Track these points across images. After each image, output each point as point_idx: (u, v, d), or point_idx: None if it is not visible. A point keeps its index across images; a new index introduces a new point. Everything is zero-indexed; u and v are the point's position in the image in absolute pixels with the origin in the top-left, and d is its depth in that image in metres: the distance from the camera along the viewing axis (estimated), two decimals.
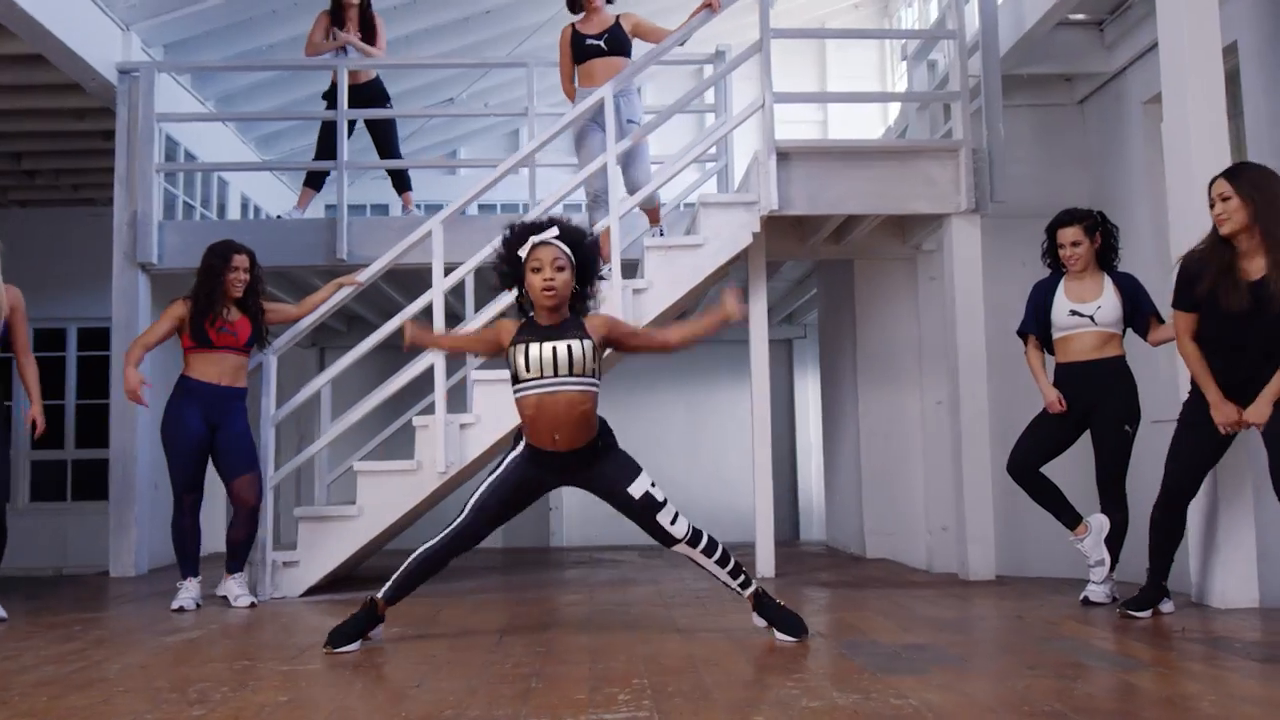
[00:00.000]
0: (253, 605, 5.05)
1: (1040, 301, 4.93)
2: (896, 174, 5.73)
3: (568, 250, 3.65)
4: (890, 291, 7.11)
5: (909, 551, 6.91)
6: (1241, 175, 4.06)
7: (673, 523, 3.74)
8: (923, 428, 6.97)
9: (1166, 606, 4.29)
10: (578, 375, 3.62)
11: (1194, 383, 4.22)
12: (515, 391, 3.71)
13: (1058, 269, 4.90)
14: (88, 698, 3.02)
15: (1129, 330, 4.79)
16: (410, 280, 7.37)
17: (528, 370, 3.63)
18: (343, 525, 5.44)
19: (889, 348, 7.10)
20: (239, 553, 5.18)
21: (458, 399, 6.10)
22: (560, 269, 3.62)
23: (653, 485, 3.74)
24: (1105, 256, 4.83)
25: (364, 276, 5.66)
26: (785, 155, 5.65)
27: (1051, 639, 3.77)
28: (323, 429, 6.19)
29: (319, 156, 7.30)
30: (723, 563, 3.83)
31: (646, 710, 2.73)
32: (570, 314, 3.72)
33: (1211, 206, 4.09)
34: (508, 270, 3.73)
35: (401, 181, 7.39)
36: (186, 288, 5.23)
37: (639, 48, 5.98)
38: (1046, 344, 4.97)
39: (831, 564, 6.77)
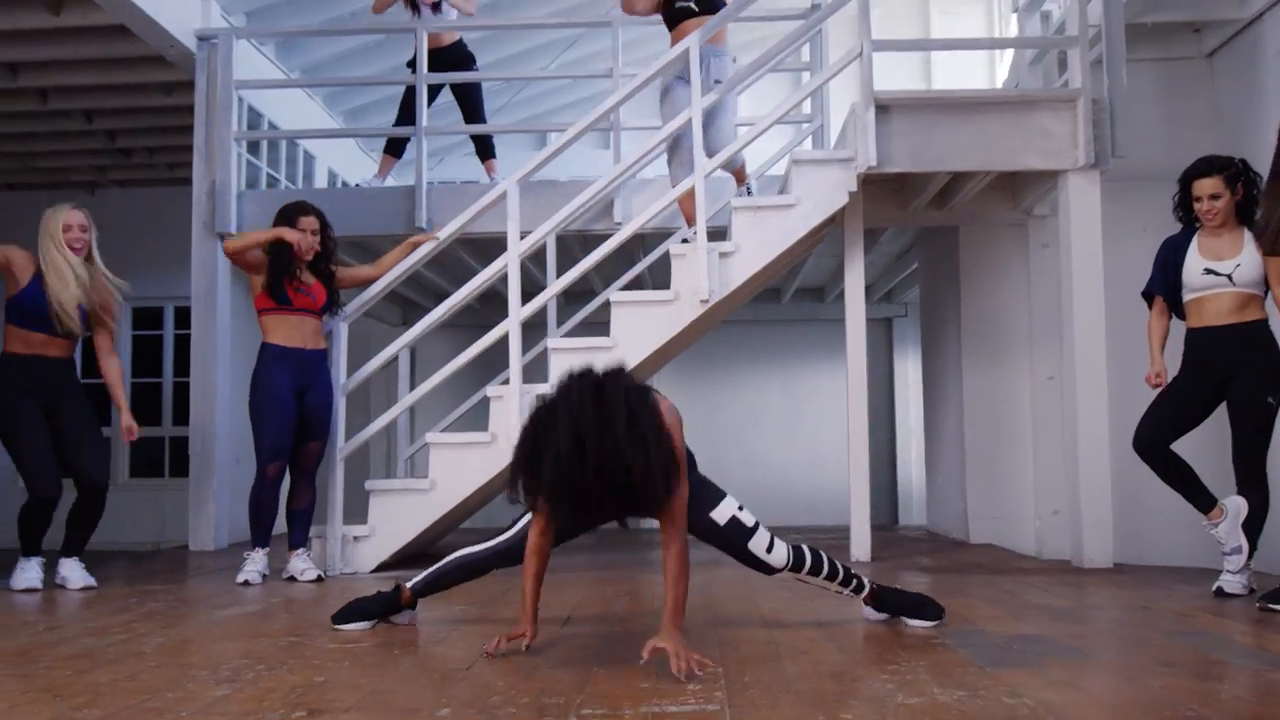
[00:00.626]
0: (319, 579, 4.86)
1: (1170, 259, 4.45)
2: (1008, 127, 5.26)
3: None
4: (998, 260, 6.63)
5: (1016, 537, 6.44)
6: None
7: (769, 550, 3.25)
8: (1032, 405, 6.48)
9: None
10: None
11: None
12: None
13: (1190, 224, 4.43)
14: (113, 673, 2.81)
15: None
16: (492, 250, 7.10)
17: None
18: (414, 498, 5.21)
19: (996, 321, 6.62)
20: (301, 525, 5.01)
21: (537, 370, 5.82)
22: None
23: (740, 509, 3.25)
24: (1247, 210, 4.32)
25: (445, 233, 5.42)
26: (885, 108, 5.23)
27: (1183, 633, 3.34)
28: (394, 403, 6.02)
29: (400, 124, 7.11)
30: (832, 576, 3.38)
31: (718, 703, 2.41)
32: None
33: None
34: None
35: (485, 149, 7.14)
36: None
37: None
38: (1176, 308, 4.51)
39: (932, 549, 6.34)
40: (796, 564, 3.30)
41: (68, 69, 7.52)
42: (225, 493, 6.81)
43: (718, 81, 5.44)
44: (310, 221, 4.98)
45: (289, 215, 4.97)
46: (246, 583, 4.70)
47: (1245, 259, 4.27)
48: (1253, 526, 4.23)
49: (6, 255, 4.74)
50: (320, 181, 8.82)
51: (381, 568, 5.19)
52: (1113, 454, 5.23)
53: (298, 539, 4.98)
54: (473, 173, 8.30)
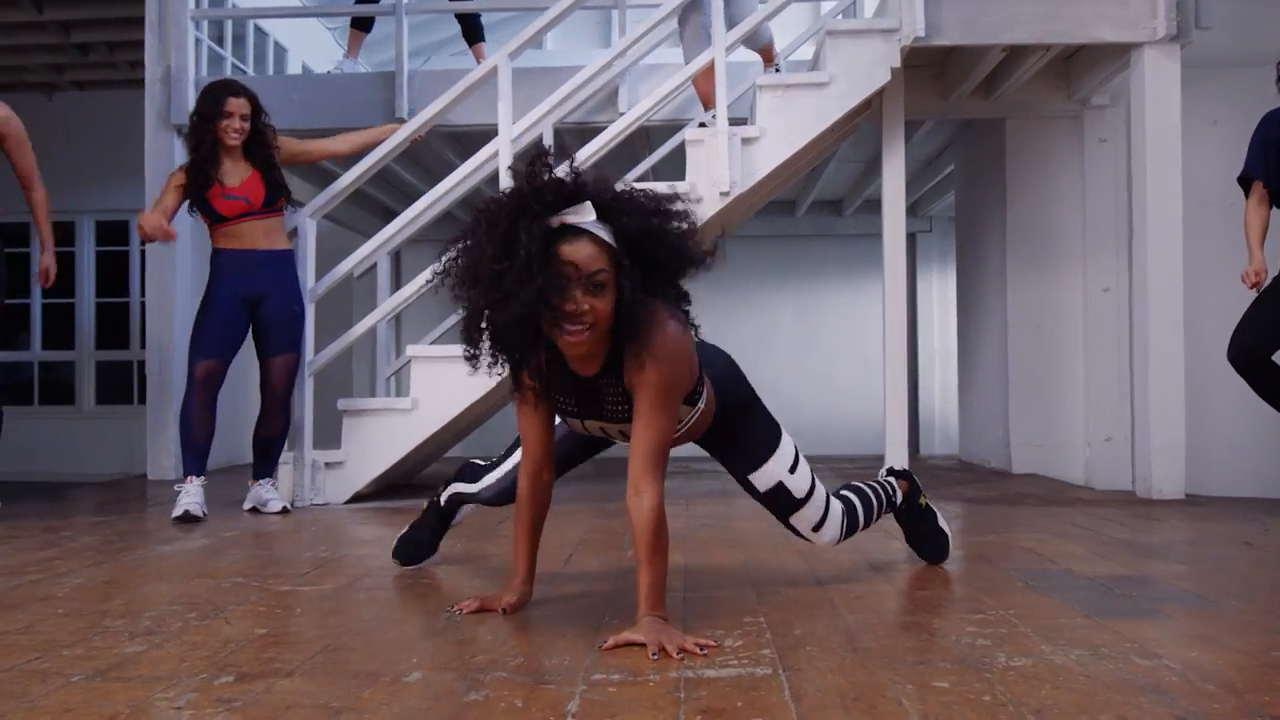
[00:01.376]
0: (285, 511, 4.26)
1: (1273, 135, 3.82)
2: None
3: (611, 242, 1.97)
4: (1049, 158, 5.92)
5: (1062, 465, 5.83)
6: None
7: (816, 528, 2.51)
8: (1084, 322, 5.83)
9: None
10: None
11: None
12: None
13: None
14: (11, 621, 2.22)
15: None
16: (479, 145, 6.37)
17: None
18: (394, 419, 4.59)
19: (1046, 227, 5.93)
20: (270, 454, 4.39)
21: None
22: (599, 288, 1.95)
23: (793, 470, 2.44)
24: None
25: (416, 124, 4.74)
26: None
27: None
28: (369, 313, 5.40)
29: None
30: (885, 511, 2.75)
31: (768, 664, 1.81)
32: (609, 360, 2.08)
33: None
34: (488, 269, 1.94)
35: (473, 30, 6.37)
36: None
37: None
38: (1277, 197, 3.88)
39: (971, 479, 5.73)
40: (850, 531, 2.59)
41: None
42: None
43: None
44: (239, 104, 4.26)
45: (215, 97, 4.26)
46: (187, 515, 4.01)
47: None
48: None
49: None
50: (292, 66, 8.02)
51: (357, 498, 4.59)
52: (1189, 374, 4.61)
53: (263, 469, 4.37)
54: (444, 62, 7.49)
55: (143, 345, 7.32)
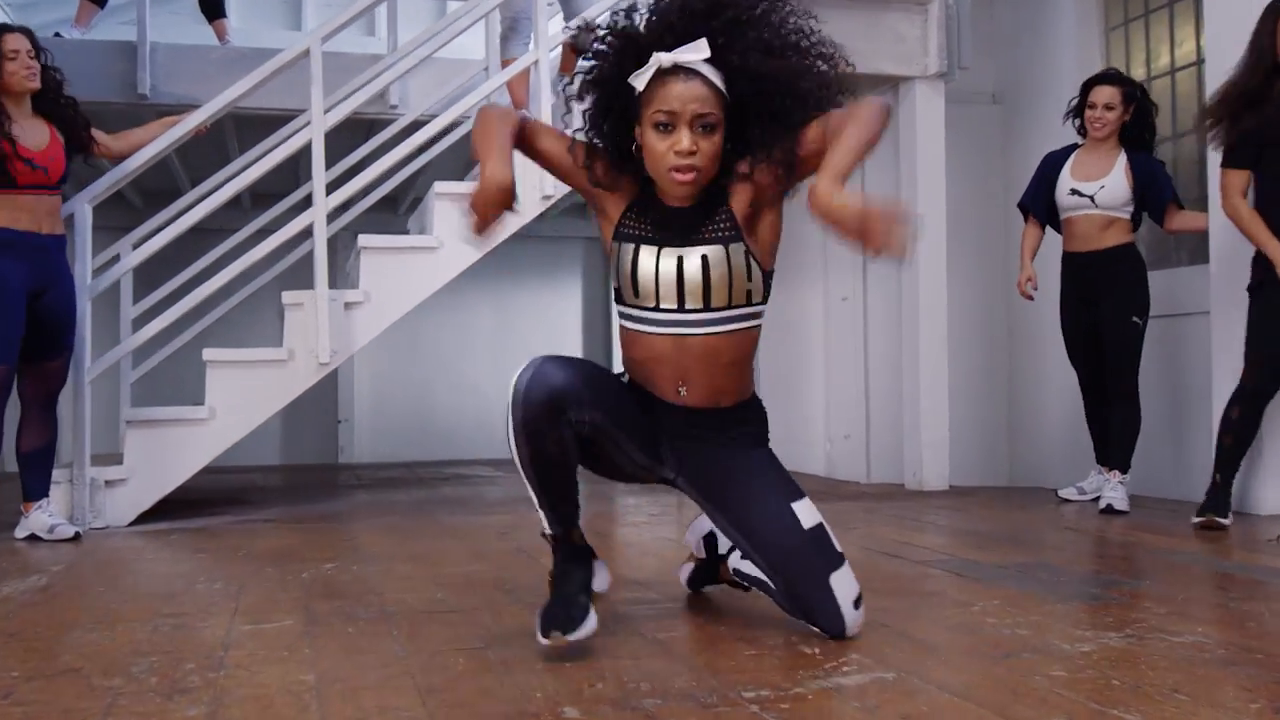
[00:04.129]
0: (77, 537, 3.71)
1: (1047, 175, 4.40)
2: (863, 29, 4.92)
3: (722, 88, 2.00)
4: None
5: (805, 460, 6.28)
6: None
7: (858, 603, 2.07)
8: (825, 328, 6.31)
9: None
10: (727, 307, 2.08)
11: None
12: (620, 317, 2.19)
13: (1081, 132, 4.35)
14: None
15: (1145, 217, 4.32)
16: (248, 131, 5.82)
17: (635, 294, 2.11)
18: (188, 431, 4.14)
19: (790, 239, 6.31)
20: (40, 469, 3.81)
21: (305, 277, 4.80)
22: (710, 129, 2.00)
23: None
24: (1132, 135, 4.29)
25: (205, 112, 4.30)
26: None
27: (1154, 550, 3.21)
28: (122, 312, 4.84)
29: None
30: None
31: (892, 669, 1.87)
32: (715, 196, 2.09)
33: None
34: (605, 113, 2.07)
35: (214, 6, 5.84)
36: None
37: None
38: (1049, 223, 4.46)
39: None
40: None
41: None
42: None
43: None
44: (17, 39, 3.71)
45: None
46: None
47: (1110, 182, 4.26)
48: (1126, 440, 4.24)
49: None
50: None
51: (141, 519, 4.09)
52: (952, 376, 5.15)
53: (38, 487, 3.78)
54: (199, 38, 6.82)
55: None
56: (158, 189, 6.54)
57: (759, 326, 2.17)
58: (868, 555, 3.11)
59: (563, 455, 1.95)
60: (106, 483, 4.04)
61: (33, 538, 3.72)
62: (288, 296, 4.30)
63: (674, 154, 1.98)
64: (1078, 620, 2.28)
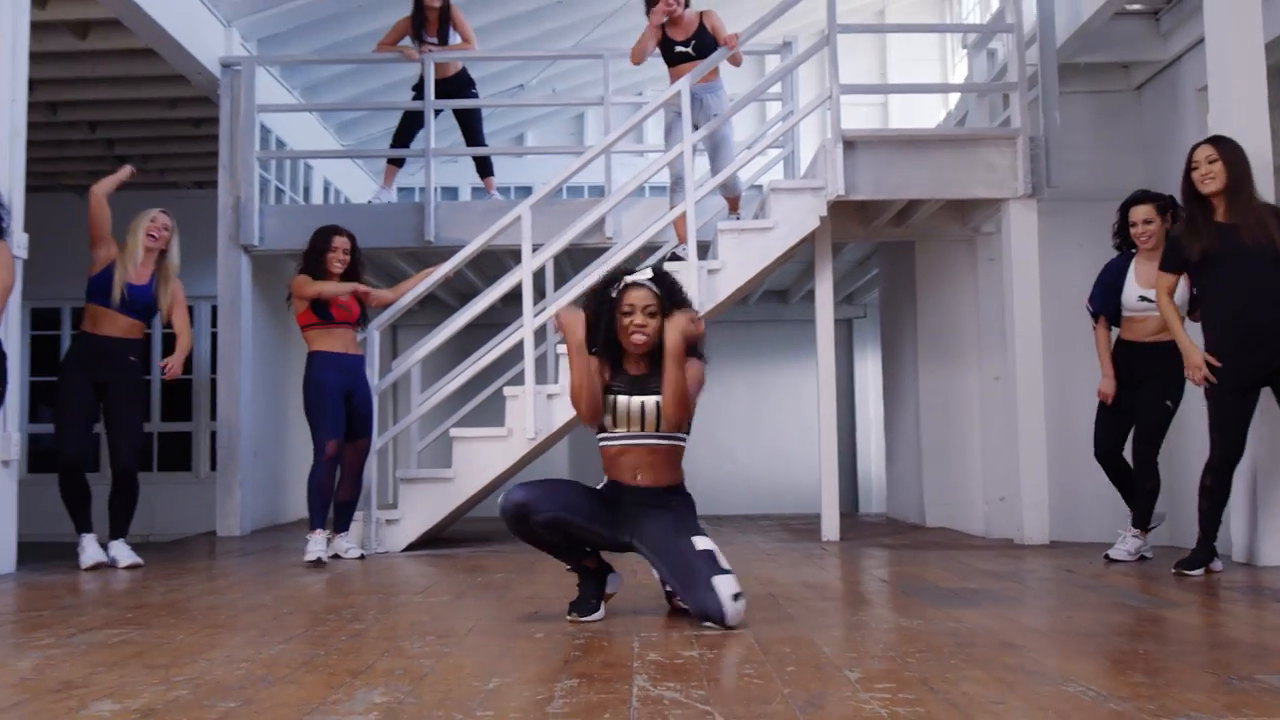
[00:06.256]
0: (362, 557, 5.52)
1: (1111, 283, 5.18)
2: (957, 160, 6.03)
3: (659, 293, 3.44)
4: (950, 271, 7.43)
5: (967, 519, 7.23)
6: (1224, 143, 4.58)
7: (738, 596, 3.23)
8: (980, 402, 7.28)
9: (1217, 565, 4.55)
10: (666, 433, 3.43)
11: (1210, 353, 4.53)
12: (598, 441, 3.52)
13: (1126, 248, 5.18)
14: (256, 618, 3.50)
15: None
16: (487, 263, 7.88)
17: (614, 425, 3.45)
18: (439, 487, 5.90)
19: (948, 325, 7.42)
20: (348, 512, 5.66)
21: (541, 370, 6.52)
22: (652, 315, 3.41)
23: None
24: None
25: (450, 265, 6.10)
26: (851, 144, 5.98)
27: (1095, 587, 4.13)
28: (413, 401, 6.67)
29: (398, 138, 7.78)
30: None
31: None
32: (656, 363, 3.44)
33: (1195, 169, 4.57)
34: (596, 309, 3.49)
35: (485, 167, 7.85)
36: (284, 267, 5.68)
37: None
38: (1114, 319, 5.23)
39: (892, 531, 7.12)
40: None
41: (80, 85, 8.15)
42: (249, 483, 7.44)
43: (716, 115, 6.18)
44: (342, 241, 5.61)
45: (325, 236, 5.60)
46: (319, 560, 5.21)
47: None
48: (1146, 503, 5.05)
49: (105, 240, 5.35)
50: (317, 189, 9.45)
51: (410, 547, 5.86)
52: (1050, 444, 6.03)
53: (344, 525, 5.65)
54: (457, 179, 8.92)
55: (212, 417, 8.60)
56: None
57: (684, 446, 3.51)
58: (866, 580, 4.26)
59: (543, 539, 3.40)
60: (387, 521, 5.86)
61: (335, 556, 5.55)
62: (508, 390, 5.98)
63: (633, 325, 3.42)
64: (914, 612, 3.40)
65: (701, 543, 3.35)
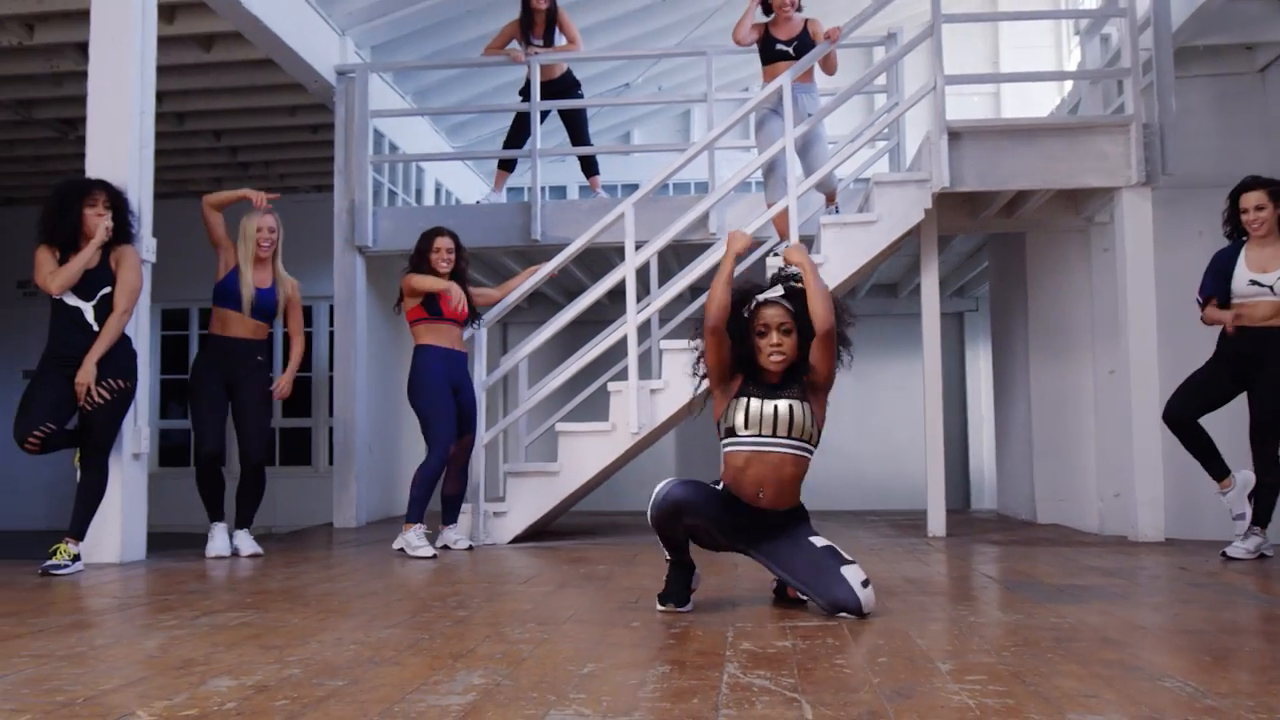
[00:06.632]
0: (470, 549, 5.67)
1: (1222, 269, 5.08)
2: (1067, 149, 5.90)
3: (793, 310, 3.45)
4: (1063, 263, 7.26)
5: (1080, 517, 7.07)
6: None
7: (866, 583, 3.32)
8: (1094, 397, 7.10)
9: None
10: (796, 438, 3.42)
11: None
12: (725, 445, 3.50)
13: (1237, 235, 5.05)
14: (367, 604, 3.64)
15: None
16: (592, 260, 7.99)
17: (746, 426, 3.43)
18: (545, 480, 6.00)
19: (1061, 319, 7.25)
20: (455, 505, 5.81)
21: (645, 366, 6.59)
22: (787, 333, 3.43)
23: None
24: None
25: (554, 264, 6.19)
26: (956, 134, 5.90)
27: (1209, 585, 4.01)
28: (521, 395, 6.80)
29: (510, 140, 7.94)
30: None
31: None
32: (792, 373, 3.48)
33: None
34: (730, 329, 3.49)
35: (590, 166, 7.94)
36: (396, 267, 5.84)
37: None
38: (1224, 305, 5.12)
39: (1002, 527, 7.00)
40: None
41: (207, 96, 8.50)
42: (364, 476, 7.68)
43: (809, 114, 6.16)
44: (445, 241, 5.74)
45: (429, 238, 5.74)
46: (435, 555, 5.31)
47: None
48: (1265, 500, 4.88)
49: (224, 245, 5.59)
50: (429, 191, 9.69)
51: (516, 540, 5.99)
52: (1165, 440, 5.84)
53: (451, 518, 5.80)
54: (563, 179, 9.04)
55: (330, 413, 8.90)
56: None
57: (809, 458, 3.48)
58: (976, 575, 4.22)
59: (675, 535, 3.41)
60: (494, 514, 5.99)
61: (444, 547, 5.70)
62: (612, 385, 6.06)
63: (770, 346, 3.43)
64: (1015, 607, 3.36)
65: (820, 541, 3.44)
